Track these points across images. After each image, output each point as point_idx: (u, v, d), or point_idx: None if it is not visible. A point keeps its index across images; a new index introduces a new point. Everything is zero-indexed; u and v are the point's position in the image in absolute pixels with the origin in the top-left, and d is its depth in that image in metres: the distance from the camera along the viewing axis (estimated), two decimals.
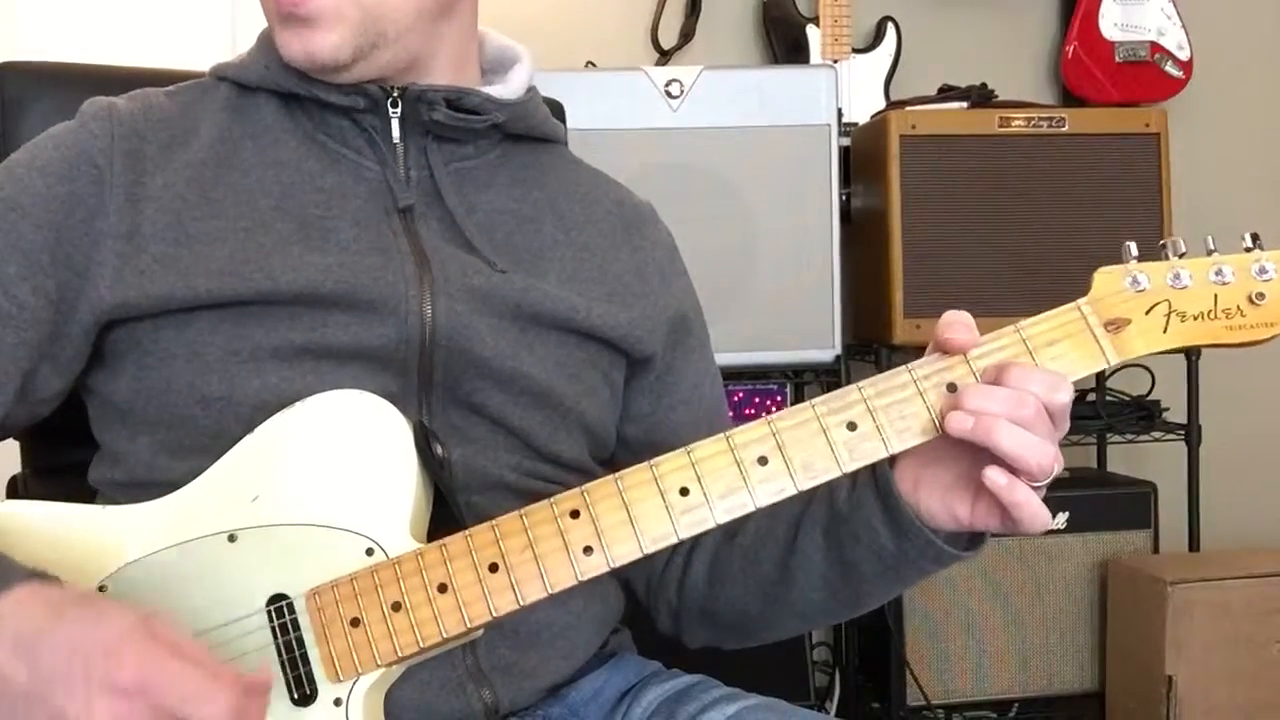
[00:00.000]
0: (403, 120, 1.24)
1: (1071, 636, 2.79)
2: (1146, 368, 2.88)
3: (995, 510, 1.08)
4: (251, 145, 1.22)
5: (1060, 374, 1.06)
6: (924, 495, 1.12)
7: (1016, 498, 1.04)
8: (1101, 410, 2.89)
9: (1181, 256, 1.07)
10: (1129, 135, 2.77)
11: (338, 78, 1.21)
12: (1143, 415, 2.90)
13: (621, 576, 1.36)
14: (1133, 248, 1.08)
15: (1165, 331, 1.06)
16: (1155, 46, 3.10)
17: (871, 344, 2.83)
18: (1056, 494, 2.72)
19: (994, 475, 1.04)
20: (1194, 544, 2.89)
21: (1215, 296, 1.06)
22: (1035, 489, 1.06)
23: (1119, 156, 2.76)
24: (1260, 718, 2.60)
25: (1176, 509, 2.87)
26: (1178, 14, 3.11)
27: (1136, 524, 2.82)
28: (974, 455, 1.07)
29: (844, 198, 2.75)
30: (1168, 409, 2.93)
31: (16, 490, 1.45)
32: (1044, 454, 1.03)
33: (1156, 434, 2.91)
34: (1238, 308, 1.06)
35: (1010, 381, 1.05)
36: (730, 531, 1.23)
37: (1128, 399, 2.92)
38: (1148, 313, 1.06)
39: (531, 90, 1.34)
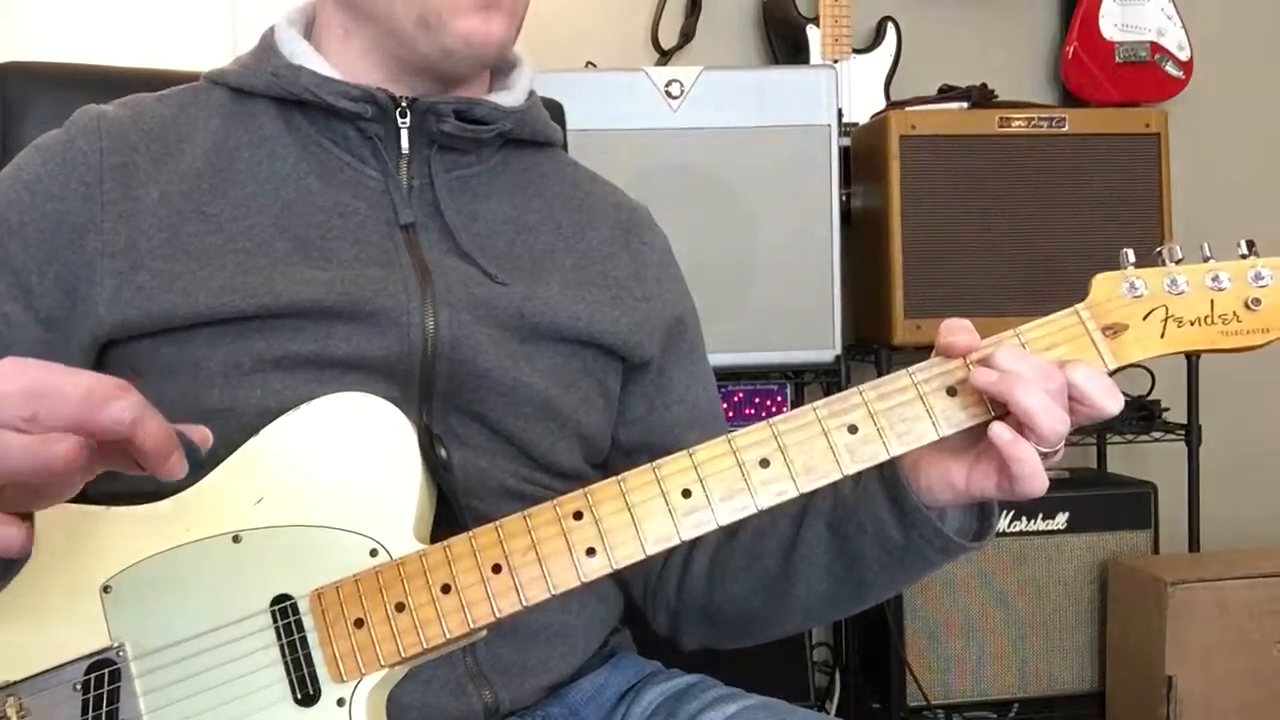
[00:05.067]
0: (410, 131, 1.24)
1: (1071, 636, 2.79)
2: (1146, 368, 2.88)
3: (992, 473, 1.08)
4: (249, 155, 1.22)
5: (1107, 377, 1.06)
6: (922, 470, 1.12)
7: (1019, 453, 1.03)
8: None
9: (1178, 263, 1.07)
10: (1129, 135, 2.78)
11: (469, 69, 1.24)
12: (1143, 415, 2.91)
13: (619, 577, 1.36)
14: (1130, 254, 1.08)
15: (1162, 337, 1.07)
16: (1155, 47, 3.11)
17: (872, 344, 2.84)
18: (1056, 494, 2.76)
19: (999, 429, 1.04)
20: (1194, 544, 2.89)
21: (1212, 302, 1.07)
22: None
23: (1119, 156, 2.76)
24: (1260, 718, 2.60)
25: (1176, 509, 2.88)
26: (1178, 14, 3.11)
27: (1136, 524, 2.82)
28: (974, 434, 1.07)
29: (844, 198, 2.75)
30: (1168, 409, 2.93)
31: None
32: (1058, 420, 1.02)
33: (1156, 434, 2.92)
34: (1234, 313, 1.06)
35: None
36: (731, 528, 1.23)
37: (1128, 399, 2.90)
38: (1145, 318, 1.07)
39: (532, 95, 1.34)
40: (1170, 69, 3.12)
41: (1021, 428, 1.03)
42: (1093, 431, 2.96)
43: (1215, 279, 1.07)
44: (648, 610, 1.39)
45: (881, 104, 3.02)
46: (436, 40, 1.20)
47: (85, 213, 1.16)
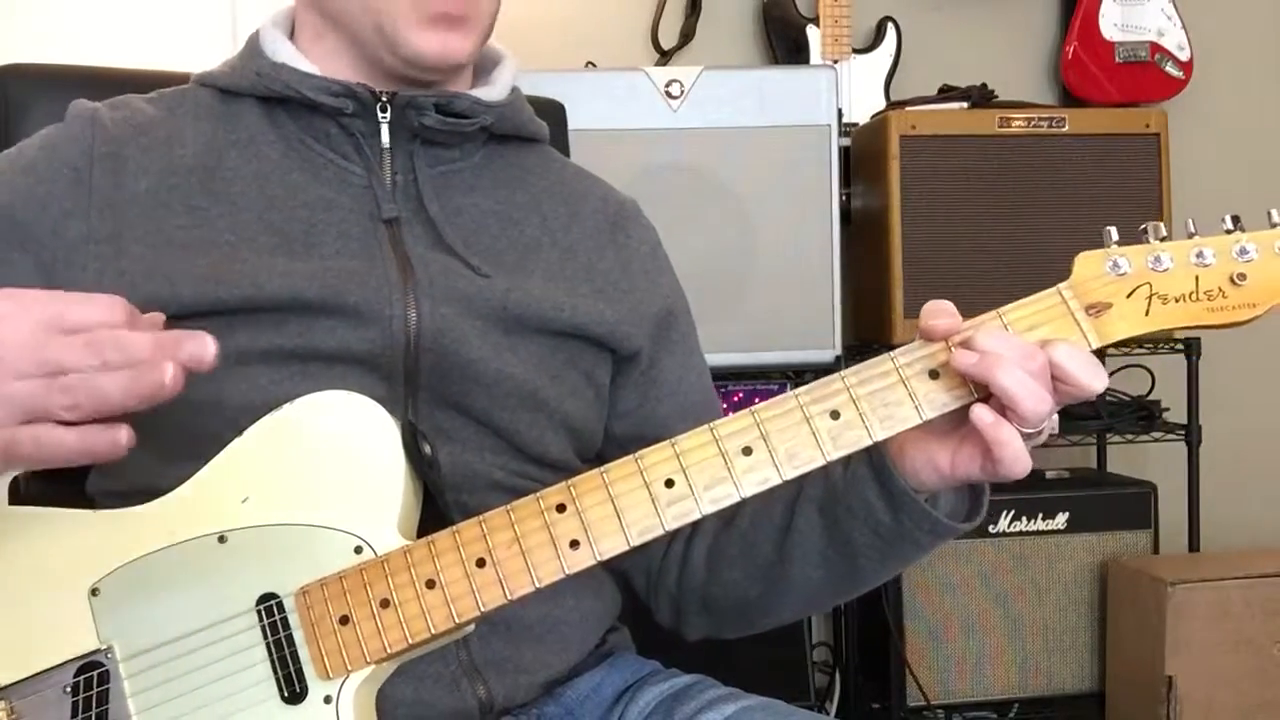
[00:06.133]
0: (391, 126, 1.25)
1: (1071, 637, 2.79)
2: (1147, 368, 2.88)
3: (976, 456, 1.08)
4: (236, 154, 1.23)
5: (1090, 355, 1.05)
6: (908, 453, 1.12)
7: (1001, 435, 1.03)
8: (1101, 410, 2.88)
9: (1162, 240, 1.07)
10: (1129, 135, 2.77)
11: (431, 78, 1.24)
12: (1143, 415, 2.90)
13: (621, 570, 1.36)
14: (1113, 232, 1.08)
15: (1147, 314, 1.06)
16: (1155, 47, 3.11)
17: (871, 344, 2.83)
18: (1056, 494, 2.76)
19: (981, 411, 1.04)
20: (1194, 544, 2.89)
21: (1197, 278, 1.06)
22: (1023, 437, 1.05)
23: (1119, 156, 2.76)
24: (1260, 718, 2.60)
25: (1176, 509, 2.87)
26: (1178, 14, 3.11)
27: (1136, 524, 2.82)
28: (958, 417, 1.07)
29: (844, 198, 2.75)
30: (1168, 409, 2.93)
31: (18, 491, 1.45)
32: (1040, 400, 1.02)
33: (1156, 434, 2.91)
34: (1219, 289, 1.06)
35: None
36: (728, 517, 1.23)
37: (1128, 399, 2.91)
38: (1129, 296, 1.06)
39: (515, 90, 1.34)
40: (1170, 69, 3.12)
41: (1004, 409, 1.03)
42: (1092, 431, 2.96)
43: (1200, 255, 1.06)
44: (651, 602, 1.39)
45: (881, 104, 3.02)
46: (393, 51, 1.22)
47: (73, 197, 1.17)
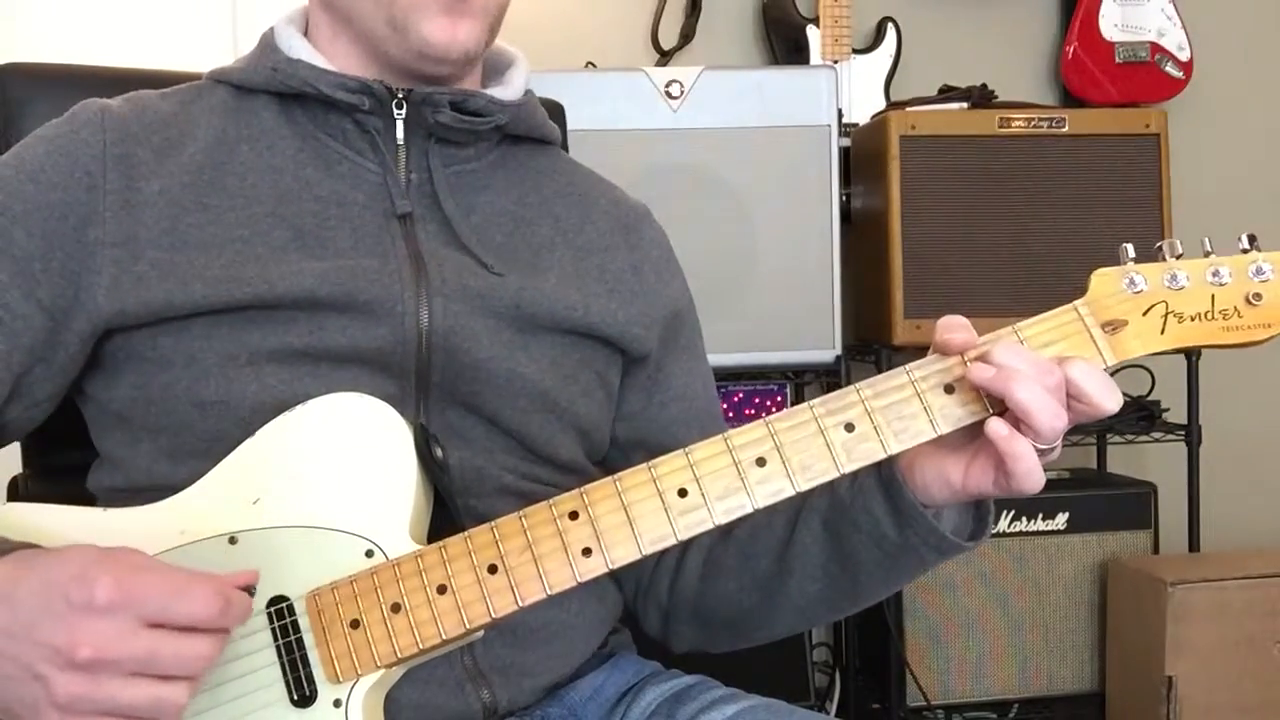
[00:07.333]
0: (407, 123, 1.24)
1: (1071, 637, 2.79)
2: (1147, 368, 2.88)
3: (989, 470, 1.08)
4: (248, 149, 1.22)
5: (1105, 374, 1.05)
6: (919, 468, 1.12)
7: (1016, 449, 1.04)
8: None
9: (1179, 258, 1.07)
10: (1129, 135, 2.77)
11: (442, 70, 1.24)
12: (1143, 415, 2.90)
13: (614, 577, 1.36)
14: (1130, 249, 1.08)
15: (1163, 333, 1.06)
16: (1155, 47, 3.11)
17: (872, 344, 2.83)
18: (1056, 494, 2.76)
19: (996, 425, 1.04)
20: (1194, 544, 2.89)
21: (1212, 297, 1.06)
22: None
23: (1119, 157, 2.76)
24: (1260, 718, 2.60)
25: (1176, 509, 2.87)
26: (1178, 14, 3.11)
27: (1136, 524, 2.82)
28: (971, 432, 1.07)
29: (844, 198, 2.75)
30: (1168, 409, 2.93)
31: (17, 491, 1.45)
32: (1055, 416, 1.03)
33: (1156, 434, 2.91)
34: (1235, 308, 1.06)
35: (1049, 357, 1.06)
36: (726, 528, 1.23)
37: (1128, 399, 2.91)
38: (1145, 314, 1.07)
39: (529, 92, 1.34)
40: (1170, 69, 3.12)
41: (1019, 424, 1.03)
42: (1093, 431, 2.96)
43: (1216, 274, 1.06)
44: (639, 611, 1.38)
45: (881, 104, 3.02)
46: (405, 42, 1.21)
47: (88, 202, 1.16)
